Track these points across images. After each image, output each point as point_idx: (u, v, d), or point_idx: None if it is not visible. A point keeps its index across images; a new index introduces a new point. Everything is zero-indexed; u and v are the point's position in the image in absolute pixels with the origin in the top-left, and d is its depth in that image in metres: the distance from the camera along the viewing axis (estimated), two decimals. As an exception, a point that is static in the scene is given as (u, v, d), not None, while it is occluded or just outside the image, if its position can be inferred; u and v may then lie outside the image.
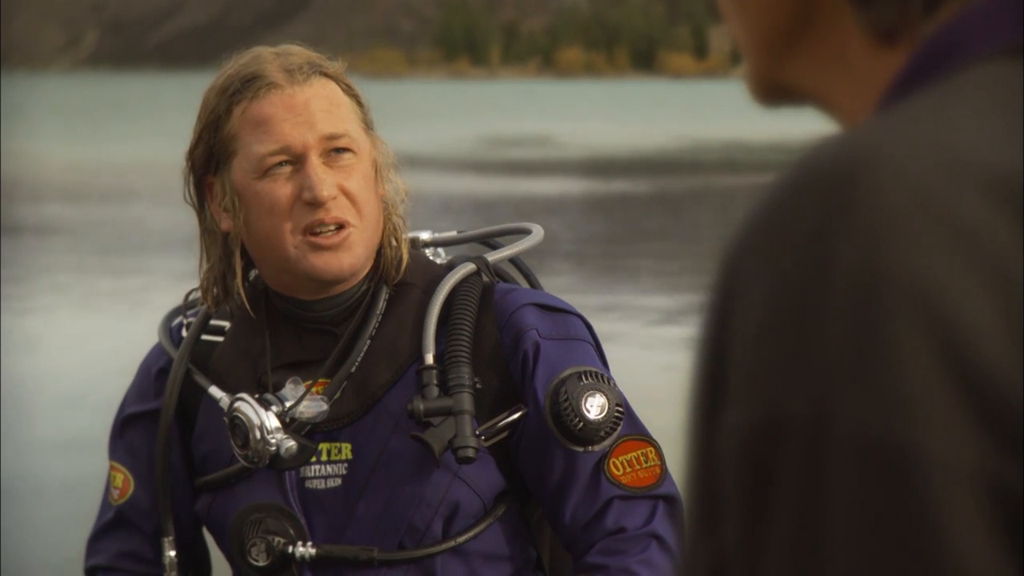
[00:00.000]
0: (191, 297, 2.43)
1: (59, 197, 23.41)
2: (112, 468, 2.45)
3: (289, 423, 2.27)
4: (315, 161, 2.24)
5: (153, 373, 2.42)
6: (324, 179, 2.23)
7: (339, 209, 2.24)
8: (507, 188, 24.06)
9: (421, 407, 2.21)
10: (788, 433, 0.70)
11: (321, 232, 2.24)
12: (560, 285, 12.04)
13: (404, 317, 2.31)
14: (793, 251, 0.71)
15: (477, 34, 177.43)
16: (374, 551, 2.26)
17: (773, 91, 0.88)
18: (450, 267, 2.37)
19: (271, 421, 2.25)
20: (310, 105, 2.25)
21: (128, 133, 39.58)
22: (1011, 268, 0.69)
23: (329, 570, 2.28)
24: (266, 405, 2.27)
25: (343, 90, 2.30)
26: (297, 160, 2.24)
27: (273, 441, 2.25)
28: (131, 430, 2.43)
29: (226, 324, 2.38)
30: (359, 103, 2.32)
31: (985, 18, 0.78)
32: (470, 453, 2.21)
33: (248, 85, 2.25)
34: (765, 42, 0.86)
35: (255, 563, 2.28)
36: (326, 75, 2.28)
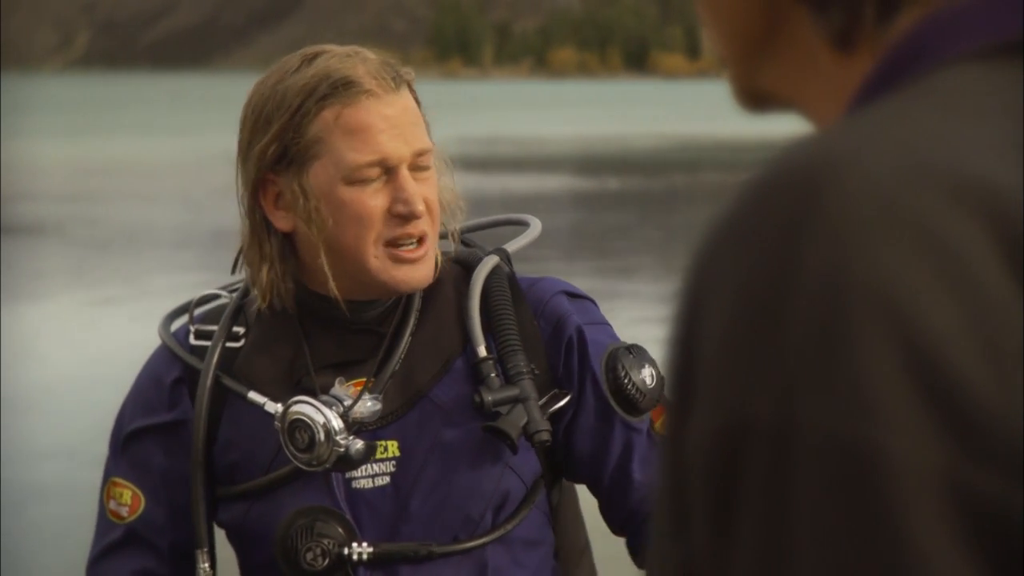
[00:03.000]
0: (201, 297, 2.40)
1: (53, 197, 23.40)
2: (115, 484, 2.37)
3: (349, 424, 2.25)
4: (407, 174, 2.24)
5: (167, 383, 2.35)
6: (417, 193, 2.24)
7: (424, 223, 2.25)
8: (499, 187, 24.08)
9: (489, 398, 2.22)
10: (753, 436, 0.70)
11: (404, 245, 2.25)
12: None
13: (442, 312, 2.32)
14: (758, 255, 0.72)
15: (470, 34, 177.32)
16: (432, 545, 2.26)
17: (754, 98, 0.90)
18: (459, 261, 2.38)
19: (337, 422, 2.23)
20: (401, 117, 2.24)
21: (121, 133, 39.54)
22: (975, 271, 0.69)
23: (383, 568, 2.26)
24: (328, 406, 2.24)
25: (415, 99, 2.30)
26: (388, 171, 2.24)
27: (342, 442, 2.22)
28: (138, 444, 2.36)
29: (240, 329, 2.34)
30: (421, 110, 2.32)
31: (951, 23, 0.79)
32: (545, 436, 2.22)
33: (341, 89, 2.22)
34: (739, 50, 0.88)
35: (311, 568, 2.24)
36: (407, 83, 2.28)
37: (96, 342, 11.52)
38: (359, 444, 2.23)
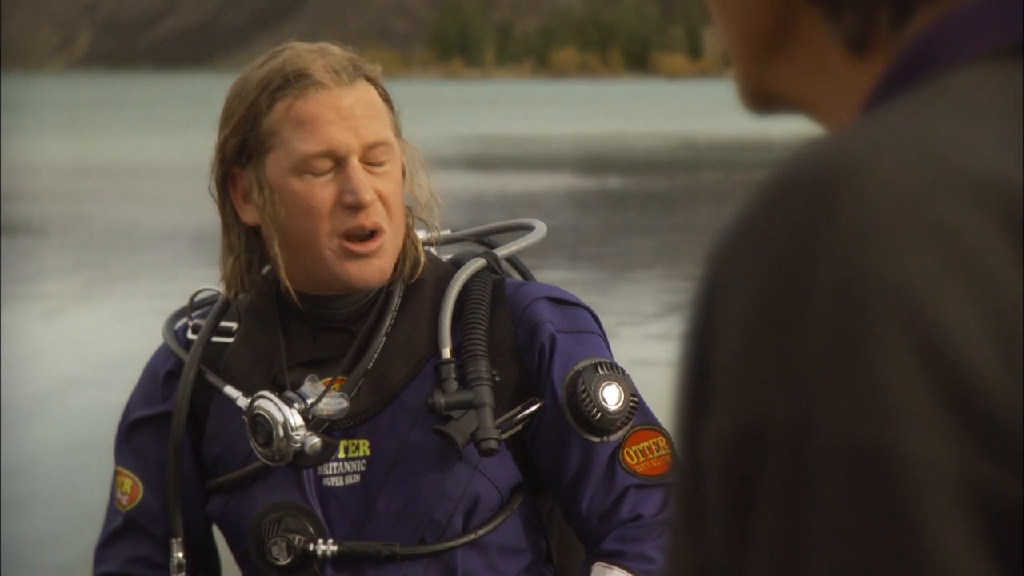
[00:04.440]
0: (197, 298, 2.43)
1: (55, 196, 23.40)
2: (119, 474, 2.43)
3: (310, 420, 2.27)
4: (357, 164, 2.25)
5: (161, 376, 2.41)
6: (366, 183, 2.24)
7: (376, 214, 2.25)
8: (500, 187, 24.08)
9: (442, 401, 2.22)
10: (771, 437, 0.70)
11: (357, 238, 2.25)
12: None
13: (418, 313, 2.32)
14: (776, 255, 0.72)
15: (471, 35, 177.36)
16: (396, 546, 2.26)
17: (761, 99, 0.90)
18: (456, 263, 2.38)
19: (295, 418, 2.25)
20: (355, 109, 2.25)
21: (122, 133, 39.54)
22: (993, 271, 0.69)
23: (350, 567, 2.28)
24: (288, 403, 2.27)
25: (379, 95, 2.31)
26: (338, 163, 2.25)
27: (297, 438, 2.24)
28: (138, 435, 2.41)
29: (234, 325, 2.38)
30: (391, 107, 2.33)
31: (964, 23, 0.79)
32: (493, 445, 2.21)
33: (293, 82, 2.25)
34: (748, 50, 0.88)
35: (276, 562, 2.27)
36: (368, 78, 2.29)
37: (95, 341, 11.51)
38: (314, 440, 2.25)
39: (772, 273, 0.71)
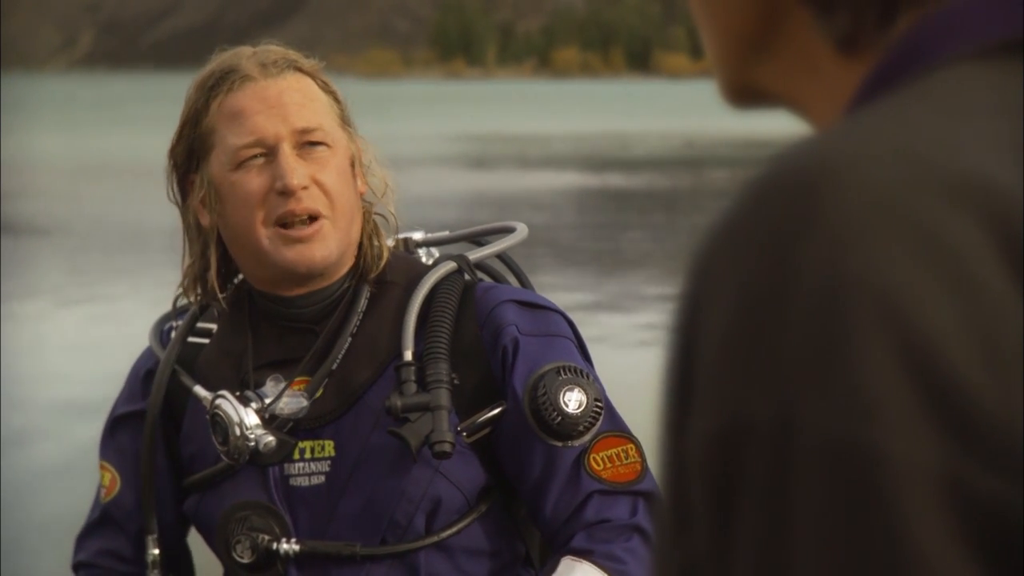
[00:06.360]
0: (180, 303, 2.44)
1: (55, 196, 23.40)
2: (101, 467, 2.46)
3: (269, 420, 2.29)
4: (287, 151, 2.26)
5: (141, 375, 2.44)
6: (295, 168, 2.25)
7: (311, 200, 2.26)
8: (502, 186, 24.08)
9: (399, 403, 2.23)
10: (753, 438, 0.70)
11: (293, 224, 2.25)
12: (554, 283, 12.02)
13: (385, 315, 2.32)
14: (757, 256, 0.72)
15: (473, 34, 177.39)
16: (356, 546, 2.28)
17: (744, 94, 0.89)
18: (434, 266, 2.38)
19: (250, 418, 2.27)
20: (283, 97, 2.27)
21: (124, 133, 39.57)
22: (974, 271, 0.70)
23: (313, 566, 2.30)
24: (246, 402, 2.29)
25: (319, 87, 2.32)
26: (270, 151, 2.26)
27: (252, 437, 2.27)
28: (120, 430, 2.45)
29: (214, 326, 2.40)
30: (336, 99, 2.34)
31: (948, 22, 0.80)
32: (446, 448, 2.22)
33: (224, 79, 2.28)
34: (734, 47, 0.87)
35: (240, 560, 2.30)
36: (301, 71, 2.31)
37: (95, 340, 11.52)
38: (269, 439, 2.28)
39: (754, 274, 0.72)
